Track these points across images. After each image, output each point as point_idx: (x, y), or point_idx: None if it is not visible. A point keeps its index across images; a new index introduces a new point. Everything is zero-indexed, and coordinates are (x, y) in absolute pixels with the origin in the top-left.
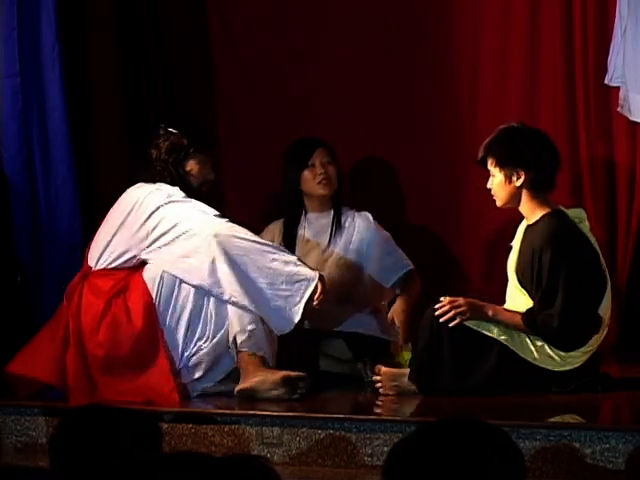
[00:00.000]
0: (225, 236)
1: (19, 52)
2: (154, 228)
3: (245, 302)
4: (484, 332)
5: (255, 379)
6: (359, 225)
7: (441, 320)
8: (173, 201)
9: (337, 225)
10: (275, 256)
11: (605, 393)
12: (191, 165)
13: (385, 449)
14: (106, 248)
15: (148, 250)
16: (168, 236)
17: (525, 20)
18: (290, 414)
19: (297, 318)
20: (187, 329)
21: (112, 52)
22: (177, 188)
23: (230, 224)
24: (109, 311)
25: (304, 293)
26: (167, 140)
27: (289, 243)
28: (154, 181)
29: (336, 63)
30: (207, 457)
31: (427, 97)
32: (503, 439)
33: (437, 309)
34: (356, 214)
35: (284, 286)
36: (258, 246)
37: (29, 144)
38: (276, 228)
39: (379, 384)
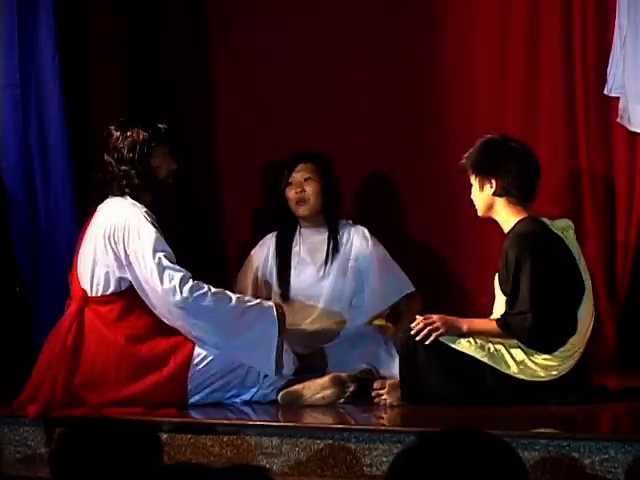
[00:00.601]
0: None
1: (19, 62)
2: (131, 269)
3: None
4: (461, 350)
5: (301, 384)
6: (355, 242)
7: (417, 339)
8: (145, 249)
9: (333, 243)
10: (239, 310)
11: (603, 404)
12: (156, 159)
13: (384, 459)
14: (94, 273)
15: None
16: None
17: (524, 30)
18: (289, 424)
19: (274, 362)
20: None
21: (113, 62)
22: (152, 226)
23: (188, 294)
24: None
25: (272, 341)
26: (126, 139)
27: (283, 260)
28: (124, 191)
29: (337, 73)
30: (206, 467)
31: (426, 111)
32: (505, 450)
33: (412, 328)
34: (352, 229)
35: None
36: (224, 309)
37: (28, 154)
38: (271, 242)
39: (384, 396)
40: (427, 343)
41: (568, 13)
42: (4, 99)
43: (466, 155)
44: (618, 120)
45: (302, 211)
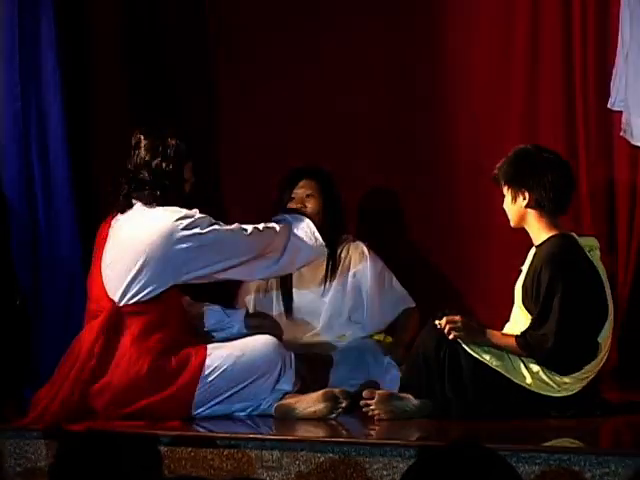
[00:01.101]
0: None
1: (20, 75)
2: (197, 260)
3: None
4: (477, 357)
5: (295, 397)
6: (354, 258)
7: (445, 330)
8: (214, 226)
9: (332, 261)
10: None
11: (603, 417)
12: (186, 171)
13: (385, 473)
14: (134, 281)
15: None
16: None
17: (525, 45)
18: (290, 437)
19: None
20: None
21: (115, 74)
22: (196, 210)
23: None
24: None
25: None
26: (166, 149)
27: (285, 277)
28: (152, 201)
29: (340, 85)
30: None
31: (428, 127)
32: (504, 465)
33: (436, 324)
34: (352, 245)
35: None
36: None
37: (29, 167)
38: None
39: (374, 408)
40: (450, 338)
41: (568, 29)
42: (5, 113)
43: (498, 166)
44: (621, 134)
45: None
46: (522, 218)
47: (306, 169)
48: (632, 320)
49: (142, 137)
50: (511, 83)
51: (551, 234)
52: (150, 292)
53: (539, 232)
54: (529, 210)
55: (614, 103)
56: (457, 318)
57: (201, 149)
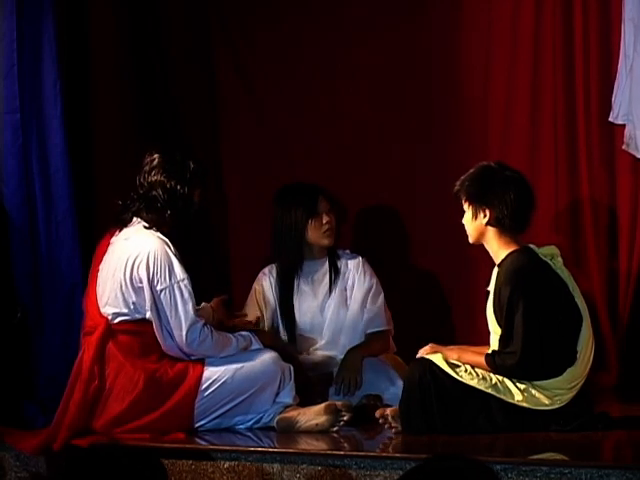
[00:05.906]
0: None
1: (20, 88)
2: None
3: None
4: (465, 382)
5: (297, 410)
6: (351, 271)
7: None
8: (173, 287)
9: (334, 275)
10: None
11: (605, 431)
12: (196, 194)
13: None
14: (123, 300)
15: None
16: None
17: (527, 58)
18: (290, 450)
19: None
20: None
21: (115, 87)
22: (178, 263)
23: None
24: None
25: None
26: (184, 172)
27: (286, 292)
28: (163, 219)
29: (342, 100)
30: None
31: (427, 137)
32: (488, 476)
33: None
34: (349, 260)
35: None
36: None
37: (29, 180)
38: (271, 275)
39: (390, 423)
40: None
41: (570, 43)
42: (4, 125)
43: (459, 182)
44: (624, 147)
45: (329, 240)
46: (481, 235)
47: (317, 187)
48: (633, 335)
49: (158, 156)
50: (512, 97)
51: (510, 250)
52: (139, 312)
53: (498, 250)
54: (489, 227)
55: (617, 117)
56: (426, 347)
57: (203, 150)
